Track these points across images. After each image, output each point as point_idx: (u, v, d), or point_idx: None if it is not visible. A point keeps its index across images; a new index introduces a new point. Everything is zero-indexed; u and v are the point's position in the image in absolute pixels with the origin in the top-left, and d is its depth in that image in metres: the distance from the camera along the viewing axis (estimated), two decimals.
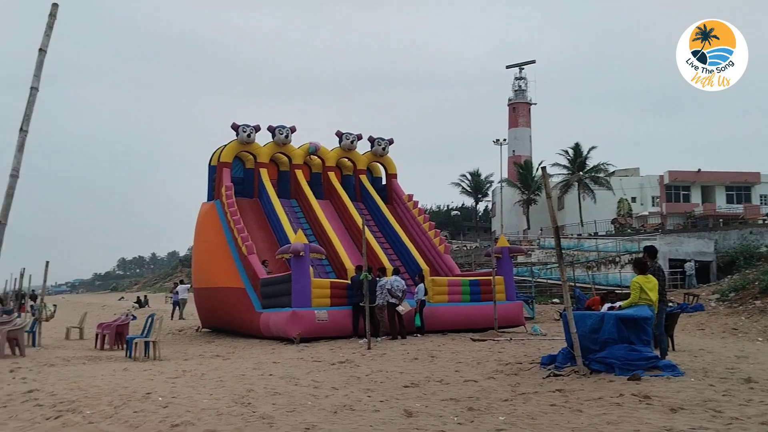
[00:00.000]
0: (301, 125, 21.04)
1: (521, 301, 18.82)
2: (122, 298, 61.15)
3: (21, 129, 4.74)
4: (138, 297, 42.08)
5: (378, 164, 22.60)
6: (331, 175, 21.36)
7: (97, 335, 15.36)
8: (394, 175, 22.37)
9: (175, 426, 5.84)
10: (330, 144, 21.75)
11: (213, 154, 20.65)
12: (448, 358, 10.81)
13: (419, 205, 21.50)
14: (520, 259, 32.06)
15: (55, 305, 28.23)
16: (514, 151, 63.58)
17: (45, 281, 17.53)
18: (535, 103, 66.42)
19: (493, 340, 13.69)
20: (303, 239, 15.52)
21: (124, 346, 13.74)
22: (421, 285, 15.86)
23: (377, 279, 15.05)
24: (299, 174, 20.85)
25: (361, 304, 14.02)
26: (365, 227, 14.39)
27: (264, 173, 20.27)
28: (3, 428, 6.38)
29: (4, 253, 4.55)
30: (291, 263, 15.13)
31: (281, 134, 20.41)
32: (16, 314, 16.76)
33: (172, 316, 24.76)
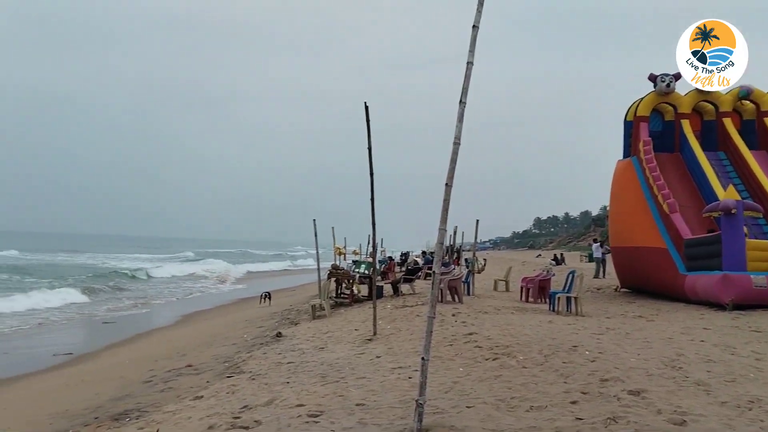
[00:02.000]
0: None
1: None
2: (539, 255, 64.18)
3: (460, 101, 5.15)
4: (555, 255, 43.54)
5: None
6: None
7: (521, 288, 16.57)
8: None
9: (604, 380, 5.94)
10: (766, 85, 18.73)
11: (629, 109, 19.87)
12: None
13: None
14: None
15: (485, 259, 31.41)
16: None
17: (476, 237, 19.68)
18: None
19: None
20: (735, 195, 14.15)
21: (547, 299, 14.53)
22: None
23: None
24: (728, 123, 18.54)
25: None
26: None
27: (686, 124, 18.64)
28: (451, 363, 7.46)
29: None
30: (720, 222, 13.91)
31: None
32: (452, 266, 19.20)
33: (596, 275, 24.79)
